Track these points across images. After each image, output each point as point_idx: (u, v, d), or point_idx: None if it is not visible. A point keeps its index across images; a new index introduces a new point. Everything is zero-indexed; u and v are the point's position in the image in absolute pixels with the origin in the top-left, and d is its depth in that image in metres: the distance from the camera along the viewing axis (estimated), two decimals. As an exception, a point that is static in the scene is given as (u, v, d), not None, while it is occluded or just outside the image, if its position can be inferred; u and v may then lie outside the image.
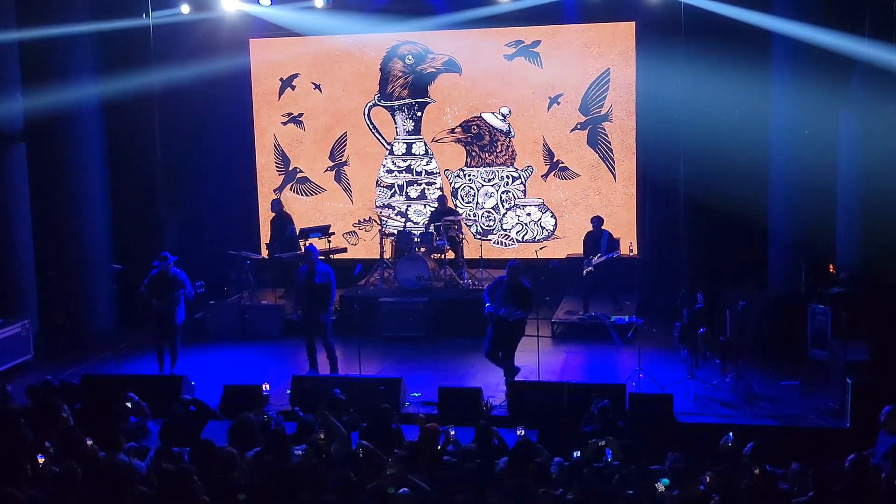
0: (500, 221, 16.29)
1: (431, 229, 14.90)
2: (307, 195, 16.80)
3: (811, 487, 7.22)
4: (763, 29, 13.41)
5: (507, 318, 11.24)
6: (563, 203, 16.00)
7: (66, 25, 13.84)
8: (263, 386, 10.89)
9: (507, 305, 11.23)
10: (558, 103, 15.82)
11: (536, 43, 15.79)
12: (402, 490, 7.18)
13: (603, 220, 14.42)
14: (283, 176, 16.85)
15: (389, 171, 16.63)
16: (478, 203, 16.34)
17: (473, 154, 16.30)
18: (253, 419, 8.91)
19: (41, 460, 7.80)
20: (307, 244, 13.68)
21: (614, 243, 14.17)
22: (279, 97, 16.75)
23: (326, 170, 16.75)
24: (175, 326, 12.40)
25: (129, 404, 9.72)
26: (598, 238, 14.14)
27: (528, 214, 16.18)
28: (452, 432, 8.64)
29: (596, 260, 13.84)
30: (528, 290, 11.43)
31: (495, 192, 16.27)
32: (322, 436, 8.42)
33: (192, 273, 13.20)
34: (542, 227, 16.14)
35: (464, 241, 15.31)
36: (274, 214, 15.66)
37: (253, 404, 10.29)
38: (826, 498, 6.98)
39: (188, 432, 9.22)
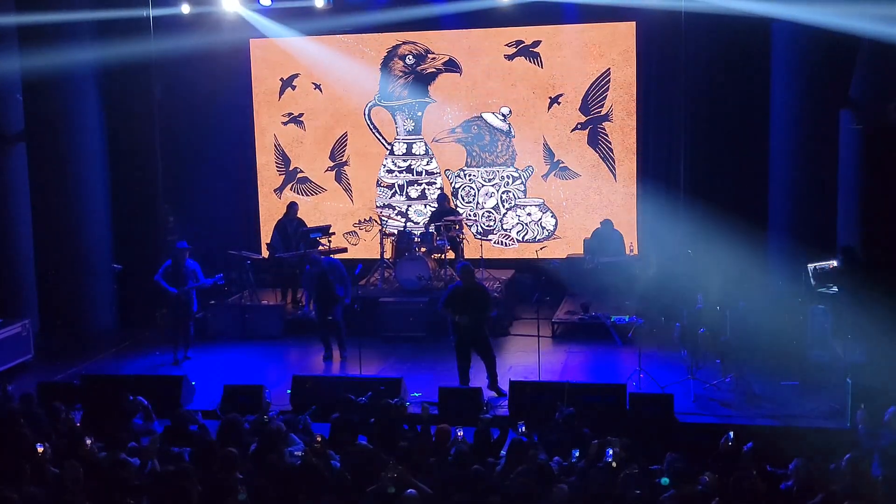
0: (500, 221, 16.28)
1: (432, 229, 14.90)
2: (307, 195, 16.80)
3: (812, 486, 7.24)
4: (763, 28, 13.43)
5: (481, 321, 11.35)
6: (564, 203, 15.99)
7: (65, 13, 13.83)
8: (264, 392, 10.85)
9: (473, 309, 11.26)
10: (558, 103, 15.82)
11: (536, 43, 15.79)
12: (409, 491, 7.18)
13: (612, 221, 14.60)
14: (284, 176, 16.85)
15: (390, 171, 16.62)
16: (478, 203, 16.34)
17: (474, 154, 16.30)
18: (240, 419, 8.94)
19: (40, 450, 7.82)
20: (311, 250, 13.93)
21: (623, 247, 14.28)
22: (279, 97, 16.74)
23: (327, 170, 16.75)
24: (191, 314, 13.01)
25: (139, 409, 9.73)
26: (609, 238, 14.19)
27: (529, 214, 16.18)
28: (461, 433, 8.66)
29: (605, 259, 13.92)
30: (486, 288, 11.93)
31: (496, 192, 16.27)
32: (319, 439, 8.44)
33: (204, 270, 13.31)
34: (543, 227, 16.14)
35: (464, 241, 15.31)
36: (285, 215, 15.54)
37: (253, 405, 10.32)
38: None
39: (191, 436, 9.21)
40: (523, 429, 8.62)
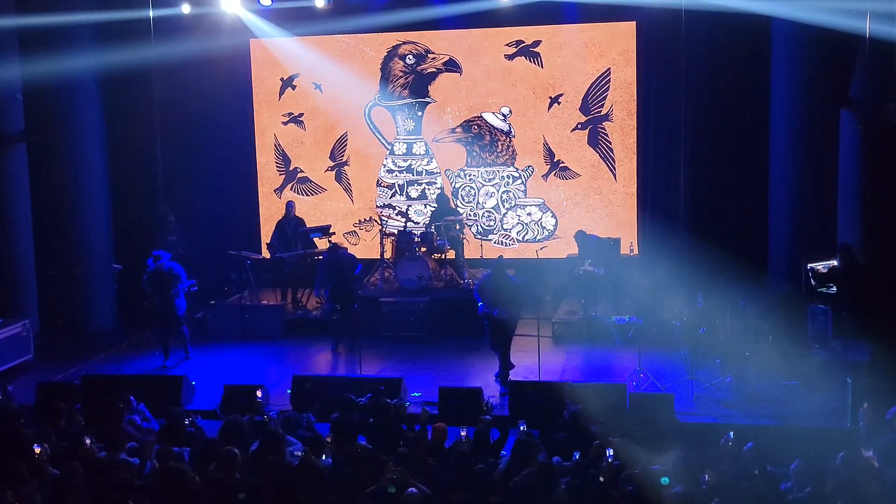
0: (500, 221, 16.28)
1: (432, 229, 14.90)
2: (308, 195, 16.80)
3: (809, 484, 7.24)
4: (763, 28, 13.42)
5: (502, 317, 11.51)
6: (564, 203, 15.99)
7: (66, 14, 13.81)
8: (256, 392, 10.89)
9: (498, 303, 11.49)
10: (559, 103, 15.82)
11: (537, 43, 15.79)
12: (410, 490, 7.18)
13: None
14: (284, 176, 16.85)
15: (390, 171, 16.62)
16: (478, 203, 16.33)
17: (474, 154, 16.29)
18: (242, 421, 8.93)
19: (38, 450, 7.82)
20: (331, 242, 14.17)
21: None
22: (279, 97, 16.74)
23: (327, 170, 16.74)
24: (179, 319, 12.94)
25: (136, 417, 9.73)
26: (585, 246, 14.18)
27: (529, 214, 16.17)
28: (463, 433, 8.69)
29: (587, 267, 13.91)
30: (515, 285, 11.83)
31: (496, 192, 16.26)
32: (329, 439, 8.44)
33: (192, 272, 13.27)
34: (543, 227, 16.13)
35: (464, 240, 15.31)
36: (284, 215, 15.53)
37: (251, 406, 10.33)
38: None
39: (188, 435, 9.21)
40: (524, 427, 8.63)
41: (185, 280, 12.92)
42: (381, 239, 15.20)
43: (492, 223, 16.29)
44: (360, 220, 16.62)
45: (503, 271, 11.83)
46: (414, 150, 16.50)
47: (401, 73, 16.32)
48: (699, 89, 14.44)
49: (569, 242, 15.64)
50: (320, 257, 14.57)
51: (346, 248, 14.02)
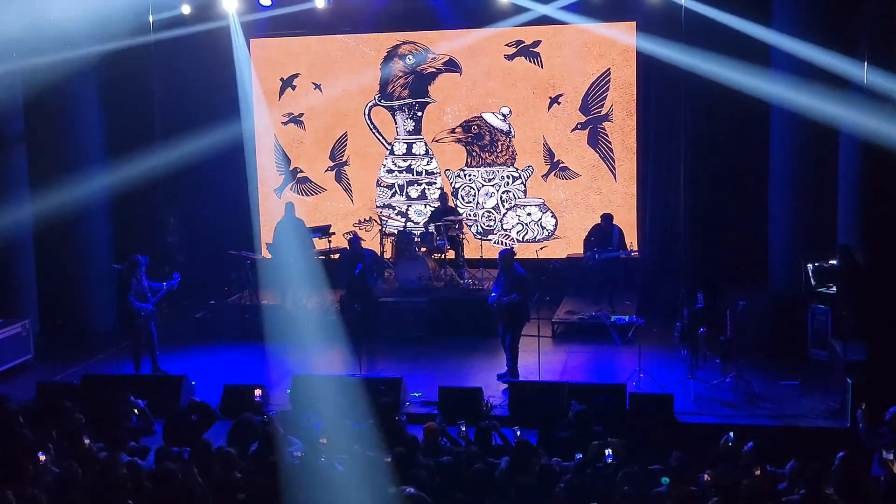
0: (500, 221, 16.28)
1: (432, 229, 14.90)
2: (307, 195, 16.80)
3: (805, 485, 7.23)
4: (763, 29, 13.42)
5: (496, 303, 11.75)
6: (564, 203, 15.99)
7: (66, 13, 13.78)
8: (256, 392, 10.86)
9: (506, 293, 11.65)
10: (559, 103, 15.82)
11: (537, 43, 15.79)
12: (408, 490, 7.19)
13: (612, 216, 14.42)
14: (284, 176, 16.85)
15: (390, 171, 16.62)
16: (478, 203, 16.34)
17: (474, 154, 16.30)
18: (255, 419, 8.93)
19: (42, 458, 7.82)
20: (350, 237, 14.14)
21: (623, 242, 14.21)
22: (279, 97, 16.75)
23: (327, 170, 16.75)
24: (151, 332, 12.37)
25: (135, 410, 9.73)
26: (609, 233, 14.11)
27: (529, 214, 16.18)
28: (463, 429, 8.70)
29: (599, 256, 13.92)
30: (521, 276, 11.85)
31: (496, 192, 16.26)
32: (324, 440, 8.45)
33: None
34: (543, 227, 16.14)
35: (464, 240, 15.31)
36: (284, 217, 15.49)
37: (251, 406, 10.32)
38: (818, 496, 6.98)
39: (191, 433, 9.21)
40: (518, 433, 8.64)
41: (155, 286, 12.37)
42: (381, 239, 15.21)
43: (492, 223, 16.29)
44: (359, 221, 16.61)
45: (507, 261, 11.86)
46: (414, 150, 16.50)
47: (400, 73, 16.32)
48: (698, 89, 14.42)
49: (569, 242, 15.66)
50: (321, 257, 14.61)
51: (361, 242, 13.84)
